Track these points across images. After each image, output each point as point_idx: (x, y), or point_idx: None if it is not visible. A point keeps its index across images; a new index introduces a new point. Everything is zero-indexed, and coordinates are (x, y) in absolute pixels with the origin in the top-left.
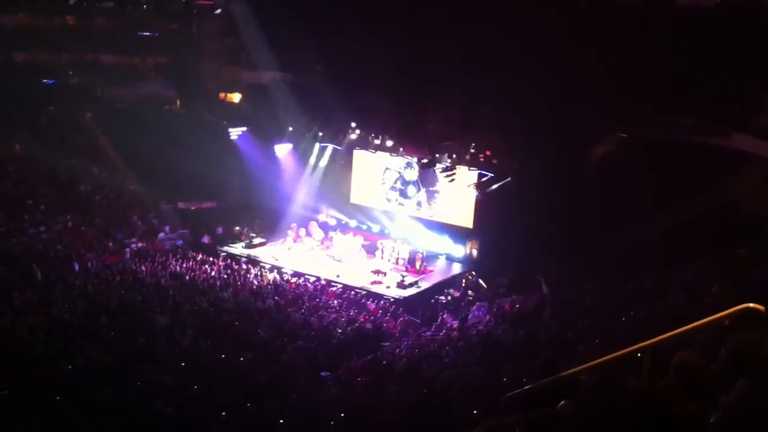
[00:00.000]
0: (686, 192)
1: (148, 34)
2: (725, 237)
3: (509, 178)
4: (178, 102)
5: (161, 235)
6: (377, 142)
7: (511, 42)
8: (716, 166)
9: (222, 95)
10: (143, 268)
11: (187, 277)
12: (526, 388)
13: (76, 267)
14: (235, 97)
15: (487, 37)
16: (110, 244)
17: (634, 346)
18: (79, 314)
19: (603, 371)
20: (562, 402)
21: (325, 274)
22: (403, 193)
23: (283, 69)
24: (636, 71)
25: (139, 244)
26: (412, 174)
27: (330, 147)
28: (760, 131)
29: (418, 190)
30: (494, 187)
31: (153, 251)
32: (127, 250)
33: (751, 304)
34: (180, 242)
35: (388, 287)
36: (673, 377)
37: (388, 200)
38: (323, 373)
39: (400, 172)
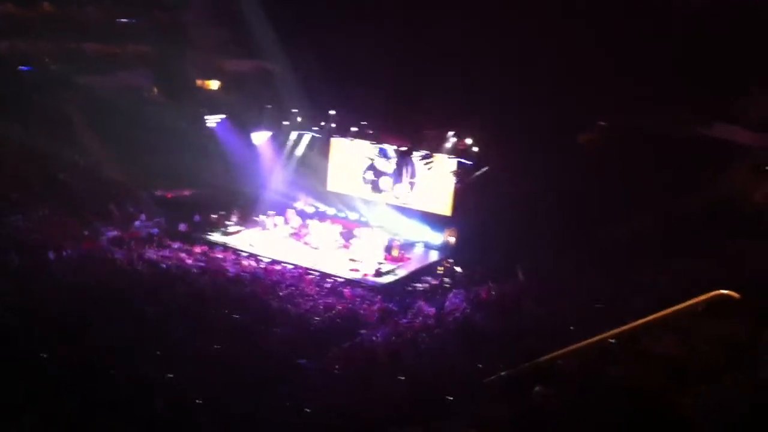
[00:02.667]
0: (674, 184)
1: (126, 20)
2: (716, 230)
3: (487, 167)
4: (155, 89)
5: (137, 222)
6: (355, 129)
7: (497, 31)
8: (705, 159)
9: (199, 82)
10: (119, 255)
11: (164, 265)
12: (504, 373)
13: (51, 256)
14: (213, 85)
15: (474, 26)
16: (86, 233)
17: (611, 332)
18: (56, 304)
19: (580, 357)
20: (537, 387)
21: (303, 262)
22: (375, 185)
23: (263, 57)
24: (621, 63)
25: (115, 232)
26: (387, 165)
27: (308, 135)
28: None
29: (395, 180)
30: (474, 175)
31: (129, 239)
32: (103, 238)
33: (725, 291)
34: (155, 230)
35: (365, 275)
36: (655, 367)
37: (363, 188)
38: (301, 361)
39: (373, 163)
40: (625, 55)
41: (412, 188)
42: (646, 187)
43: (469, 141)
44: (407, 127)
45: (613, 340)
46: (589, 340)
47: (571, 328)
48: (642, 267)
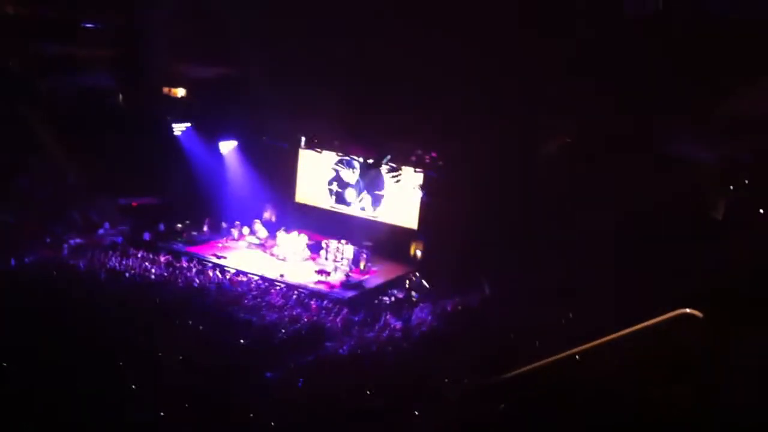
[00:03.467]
0: (631, 191)
1: (92, 26)
2: (674, 237)
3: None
4: (120, 96)
5: (101, 231)
6: (322, 141)
7: (460, 39)
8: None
9: (166, 89)
10: (81, 264)
11: (127, 274)
12: (469, 389)
13: (12, 263)
14: (180, 92)
15: (438, 34)
16: (47, 240)
17: (574, 350)
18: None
19: (545, 373)
20: (502, 406)
21: (269, 273)
22: (340, 197)
23: (230, 64)
24: (582, 71)
25: (78, 240)
26: (352, 176)
27: (275, 145)
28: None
29: (359, 192)
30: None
31: (92, 247)
32: (65, 245)
33: (688, 310)
34: (119, 239)
35: (332, 287)
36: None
37: (331, 201)
38: (268, 374)
39: (337, 174)
40: (586, 63)
41: (377, 201)
42: (608, 195)
43: (434, 154)
44: (374, 139)
45: (577, 357)
46: (554, 357)
47: (536, 343)
48: (605, 278)
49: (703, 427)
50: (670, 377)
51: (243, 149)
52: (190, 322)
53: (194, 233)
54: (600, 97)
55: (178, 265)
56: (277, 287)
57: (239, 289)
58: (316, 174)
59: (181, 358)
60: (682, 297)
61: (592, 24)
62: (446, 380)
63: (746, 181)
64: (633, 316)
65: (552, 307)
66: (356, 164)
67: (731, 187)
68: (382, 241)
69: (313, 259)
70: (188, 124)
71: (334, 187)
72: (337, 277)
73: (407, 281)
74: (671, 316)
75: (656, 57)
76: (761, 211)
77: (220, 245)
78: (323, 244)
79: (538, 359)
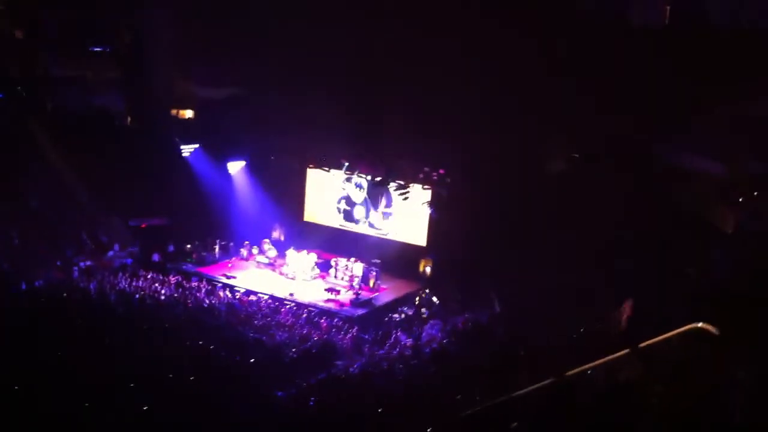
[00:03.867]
0: (640, 204)
1: (100, 49)
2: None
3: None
4: (129, 118)
5: (110, 253)
6: (330, 160)
7: (469, 57)
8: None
9: (174, 111)
10: (92, 286)
11: (137, 296)
12: (481, 406)
13: (23, 286)
14: (188, 113)
15: (446, 52)
16: (58, 262)
17: (586, 366)
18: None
19: (556, 389)
20: (514, 424)
21: (278, 292)
22: (348, 215)
23: (237, 85)
24: (587, 86)
25: (88, 262)
26: (360, 195)
27: (283, 164)
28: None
29: (368, 210)
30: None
31: (102, 269)
32: (75, 268)
33: (701, 324)
34: (129, 260)
35: (342, 305)
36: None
37: (339, 219)
38: (279, 393)
39: (347, 193)
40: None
41: (385, 218)
42: (616, 211)
43: (441, 171)
44: (382, 157)
45: (589, 372)
46: (567, 373)
47: (547, 359)
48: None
49: None
50: (682, 391)
51: (251, 169)
52: (201, 342)
53: (204, 253)
54: (606, 109)
55: (187, 285)
56: (287, 306)
57: (249, 309)
58: (324, 193)
59: (191, 378)
60: (695, 313)
61: (598, 34)
62: (458, 397)
63: (755, 194)
64: (645, 330)
65: (564, 322)
66: (363, 183)
67: (740, 200)
68: (391, 259)
69: (323, 277)
70: (196, 145)
71: (342, 205)
72: (346, 295)
73: (417, 298)
74: (684, 331)
75: (663, 67)
76: None
77: (229, 265)
78: (332, 263)
79: (550, 375)
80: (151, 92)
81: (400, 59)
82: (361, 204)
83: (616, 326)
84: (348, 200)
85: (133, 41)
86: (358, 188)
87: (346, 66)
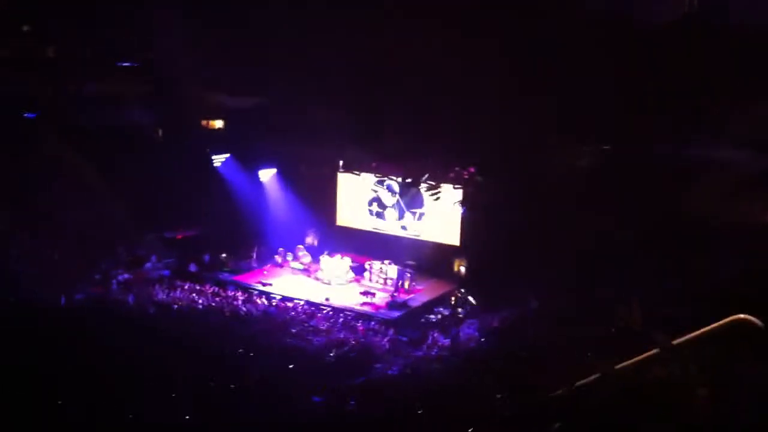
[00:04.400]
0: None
1: (128, 64)
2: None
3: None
4: (160, 131)
5: (147, 265)
6: (361, 163)
7: (493, 51)
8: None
9: (204, 122)
10: (130, 299)
11: (175, 306)
12: (521, 406)
13: (63, 301)
14: (218, 123)
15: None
16: (96, 276)
17: (625, 363)
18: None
19: (596, 388)
20: (557, 424)
21: (314, 298)
22: (380, 216)
23: (265, 93)
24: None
25: (125, 276)
26: (392, 197)
27: (313, 170)
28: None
29: (401, 212)
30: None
31: (139, 282)
32: (113, 281)
33: (743, 315)
34: (166, 272)
35: (377, 308)
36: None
37: (372, 222)
38: (315, 398)
39: (377, 195)
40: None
41: (418, 218)
42: (646, 208)
43: (472, 169)
44: (412, 159)
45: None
46: (606, 371)
47: (588, 354)
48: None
49: None
50: (725, 390)
51: (282, 176)
52: (240, 350)
53: (239, 262)
54: (630, 105)
55: (224, 294)
56: (323, 311)
57: (286, 315)
58: (356, 196)
59: (232, 386)
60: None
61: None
62: (498, 396)
63: None
64: (682, 326)
65: (600, 318)
66: (395, 185)
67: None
68: (426, 260)
69: (358, 281)
70: (227, 155)
71: (374, 207)
72: (382, 298)
73: (452, 298)
74: (726, 323)
75: (680, 62)
76: None
77: (264, 272)
78: (366, 266)
79: (589, 373)
80: (180, 104)
81: (426, 57)
82: (393, 207)
83: (632, 324)
84: (380, 203)
85: (159, 55)
86: (389, 191)
87: (368, 68)
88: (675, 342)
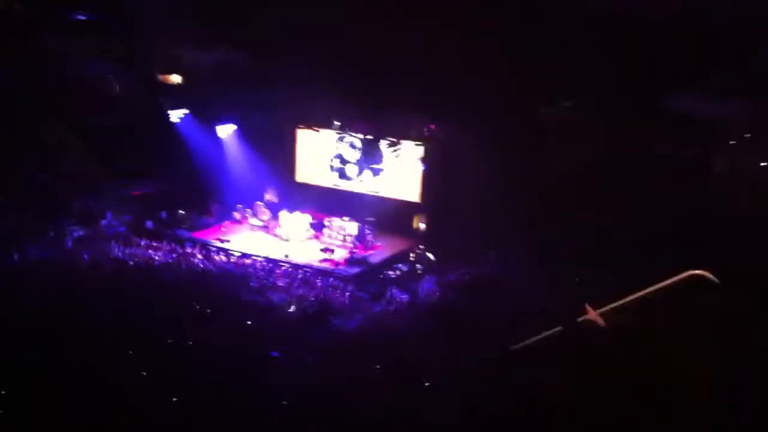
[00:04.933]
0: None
1: (84, 18)
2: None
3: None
4: (116, 86)
5: (103, 221)
6: (320, 119)
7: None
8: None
9: (161, 77)
10: (85, 255)
11: (131, 263)
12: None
13: (15, 257)
14: (176, 78)
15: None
16: (50, 234)
17: (590, 314)
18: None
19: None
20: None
21: (273, 254)
22: (342, 173)
23: (225, 48)
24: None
25: (80, 232)
26: (353, 153)
27: (273, 126)
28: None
29: (361, 168)
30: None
31: (95, 239)
32: (68, 238)
33: (697, 271)
34: (122, 228)
35: (337, 264)
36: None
37: (332, 178)
38: (274, 353)
39: (339, 152)
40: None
41: (376, 175)
42: (612, 165)
43: (432, 126)
44: (372, 114)
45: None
46: (572, 322)
47: (547, 310)
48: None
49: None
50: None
51: (241, 132)
52: (196, 305)
53: (197, 218)
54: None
55: (181, 251)
56: (283, 267)
57: (244, 271)
58: (316, 153)
59: (190, 343)
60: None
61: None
62: (455, 350)
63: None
64: (641, 281)
65: (561, 275)
66: (357, 142)
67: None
68: (386, 216)
69: (317, 237)
70: (186, 111)
71: (336, 163)
72: (341, 255)
73: (412, 255)
74: (682, 278)
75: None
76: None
77: (223, 229)
78: (326, 222)
79: (551, 327)
80: (137, 58)
81: (390, 16)
82: (354, 163)
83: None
84: (341, 158)
85: (116, 8)
86: (351, 147)
87: (333, 25)
88: (637, 294)
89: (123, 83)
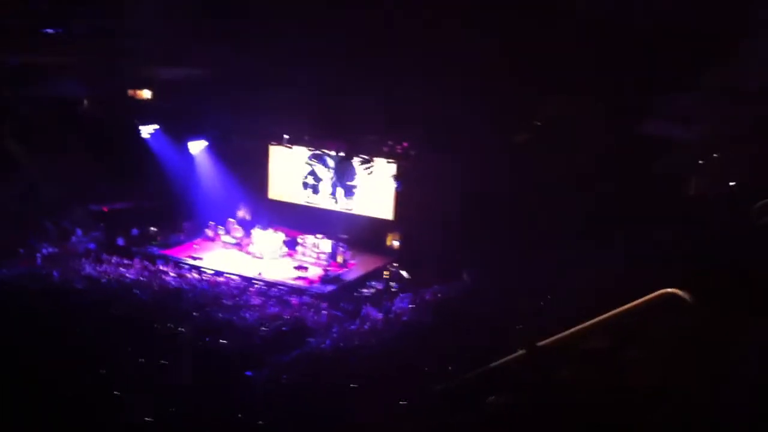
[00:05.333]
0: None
1: (53, 32)
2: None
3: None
4: (86, 101)
5: (73, 238)
6: (290, 137)
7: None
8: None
9: (131, 92)
10: (55, 273)
11: (103, 281)
12: (458, 378)
13: None
14: (146, 94)
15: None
16: (21, 251)
17: (559, 335)
18: None
19: (531, 360)
20: (491, 397)
21: (246, 272)
22: (315, 190)
23: (197, 64)
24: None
25: (51, 249)
26: (326, 170)
27: (245, 143)
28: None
29: (334, 186)
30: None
31: (65, 255)
32: (38, 255)
33: (672, 290)
34: (93, 245)
35: (311, 282)
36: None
37: (305, 196)
38: (248, 372)
39: (312, 168)
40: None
41: (350, 192)
42: (581, 181)
43: (405, 144)
44: (344, 132)
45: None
46: (540, 343)
47: (519, 327)
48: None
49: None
50: (654, 364)
51: (213, 149)
52: (169, 324)
53: (169, 236)
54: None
55: (153, 268)
56: (256, 285)
57: (217, 290)
58: (289, 170)
59: (162, 362)
60: (665, 280)
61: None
62: (429, 370)
63: (715, 155)
64: (616, 301)
65: (534, 295)
66: (329, 160)
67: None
68: (359, 234)
69: (291, 255)
70: (156, 126)
71: (310, 180)
72: (315, 273)
73: (386, 273)
74: (654, 297)
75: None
76: (731, 184)
77: (195, 246)
78: (299, 240)
79: (522, 347)
80: (107, 74)
81: (363, 33)
82: (327, 180)
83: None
84: (315, 176)
85: (85, 22)
86: (323, 165)
87: (307, 42)
88: (608, 314)
89: (92, 99)
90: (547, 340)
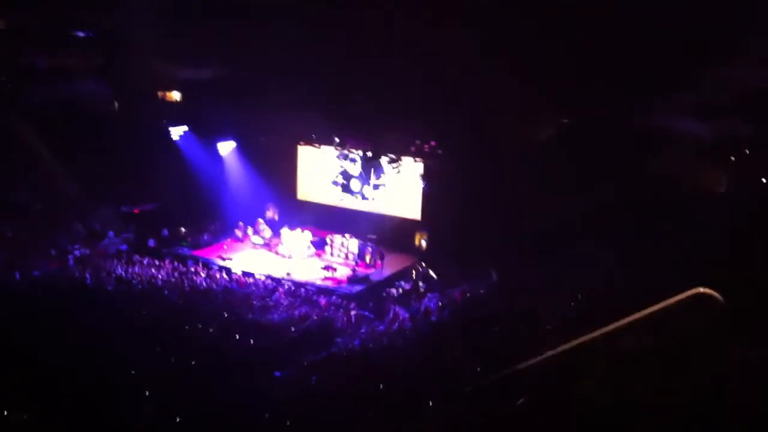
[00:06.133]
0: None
1: (82, 35)
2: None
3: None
4: (116, 103)
5: (105, 240)
6: (320, 137)
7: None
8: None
9: (161, 94)
10: (87, 274)
11: (134, 282)
12: (485, 380)
13: (17, 276)
14: (175, 95)
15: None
16: (53, 252)
17: (587, 336)
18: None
19: (557, 363)
20: (521, 400)
21: (275, 272)
22: (346, 188)
23: (224, 65)
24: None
25: (83, 251)
26: (355, 168)
27: (273, 143)
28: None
29: (363, 184)
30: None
31: (97, 257)
32: (70, 256)
33: (702, 289)
34: (124, 246)
35: (339, 282)
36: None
37: (334, 195)
38: (277, 373)
39: (342, 167)
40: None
41: (376, 190)
42: (604, 178)
43: (434, 143)
44: (372, 131)
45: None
46: (565, 346)
47: (548, 327)
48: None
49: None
50: (684, 366)
51: (242, 149)
52: (200, 325)
53: (198, 236)
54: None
55: (183, 269)
56: (285, 286)
57: (246, 290)
58: (317, 170)
59: (193, 363)
60: (690, 280)
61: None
62: (459, 370)
63: (746, 152)
64: (642, 299)
65: (559, 293)
66: (357, 157)
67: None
68: (387, 234)
69: (319, 255)
70: (185, 128)
71: (340, 179)
72: (343, 272)
73: (413, 272)
74: (686, 297)
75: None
76: (763, 180)
77: (225, 247)
78: (327, 240)
79: (550, 347)
80: (136, 76)
81: (388, 32)
82: (357, 177)
83: None
84: (345, 174)
85: (115, 25)
86: (352, 162)
87: (331, 41)
88: (641, 313)
89: (123, 101)
90: (580, 339)
